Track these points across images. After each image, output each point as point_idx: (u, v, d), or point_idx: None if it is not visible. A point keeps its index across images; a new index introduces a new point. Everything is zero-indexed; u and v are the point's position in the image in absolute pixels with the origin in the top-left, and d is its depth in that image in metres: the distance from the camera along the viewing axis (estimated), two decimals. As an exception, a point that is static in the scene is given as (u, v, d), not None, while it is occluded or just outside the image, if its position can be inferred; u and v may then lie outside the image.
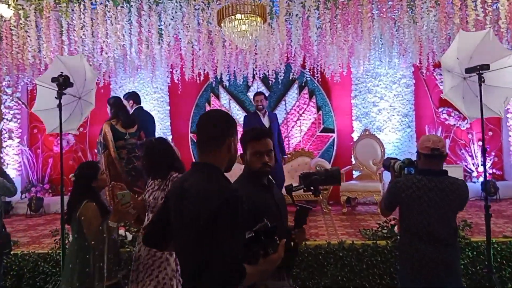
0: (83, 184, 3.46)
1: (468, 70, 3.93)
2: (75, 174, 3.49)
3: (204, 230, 1.78)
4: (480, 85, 3.87)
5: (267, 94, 8.47)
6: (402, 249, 3.09)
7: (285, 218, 2.56)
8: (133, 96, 6.62)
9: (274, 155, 2.55)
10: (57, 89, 4.15)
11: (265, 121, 6.79)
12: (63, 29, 5.76)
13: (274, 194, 2.54)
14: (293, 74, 8.07)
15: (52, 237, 5.49)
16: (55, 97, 4.15)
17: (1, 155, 8.35)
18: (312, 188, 2.54)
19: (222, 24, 5.08)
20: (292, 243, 2.36)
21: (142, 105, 6.73)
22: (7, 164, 8.35)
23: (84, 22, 5.69)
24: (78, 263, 3.37)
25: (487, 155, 8.11)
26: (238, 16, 4.95)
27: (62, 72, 4.20)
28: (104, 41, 5.94)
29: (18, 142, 8.48)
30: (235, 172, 2.20)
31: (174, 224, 1.97)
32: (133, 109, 6.49)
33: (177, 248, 2.03)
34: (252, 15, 4.98)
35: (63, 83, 4.16)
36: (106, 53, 6.12)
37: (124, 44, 6.09)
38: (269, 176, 2.57)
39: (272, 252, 1.90)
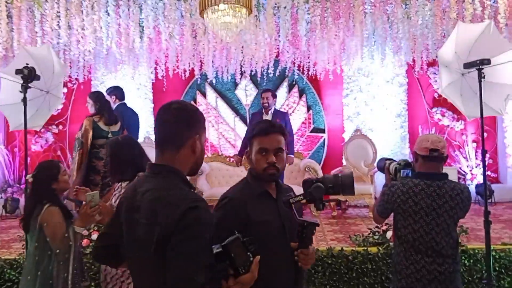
0: (43, 186, 3.11)
1: (467, 65, 3.63)
2: (33, 174, 3.14)
3: (160, 248, 1.46)
4: (480, 82, 3.58)
5: (255, 92, 8.19)
6: (396, 260, 2.77)
7: (291, 236, 2.04)
8: (117, 91, 6.22)
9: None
10: (21, 82, 3.82)
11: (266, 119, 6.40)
12: (35, 20, 5.38)
13: (279, 206, 2.08)
14: (282, 72, 7.79)
15: (21, 242, 5.12)
16: (20, 91, 3.81)
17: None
18: (315, 199, 1.98)
19: (204, 15, 4.75)
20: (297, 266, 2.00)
21: (125, 101, 6.36)
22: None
23: (58, 12, 5.32)
24: (40, 276, 3.01)
25: (480, 157, 7.85)
26: (222, 6, 4.62)
27: (27, 64, 3.86)
28: (79, 33, 5.58)
29: (-6, 141, 8.10)
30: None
31: (126, 238, 1.65)
32: (116, 105, 6.11)
33: (129, 267, 1.70)
34: (236, 5, 4.65)
35: (28, 75, 3.83)
36: (83, 46, 5.74)
37: (101, 37, 5.73)
38: (278, 180, 2.16)
39: (243, 271, 1.58)
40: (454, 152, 7.99)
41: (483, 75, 3.57)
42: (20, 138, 8.27)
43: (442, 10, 5.36)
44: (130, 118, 6.13)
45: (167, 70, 7.43)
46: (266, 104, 6.31)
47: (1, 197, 7.84)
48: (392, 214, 2.84)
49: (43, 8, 5.21)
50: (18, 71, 3.81)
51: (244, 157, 6.48)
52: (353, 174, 2.06)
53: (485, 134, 7.56)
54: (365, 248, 4.62)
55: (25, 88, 3.82)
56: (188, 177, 1.67)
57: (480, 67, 3.55)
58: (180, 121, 1.63)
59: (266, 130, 2.09)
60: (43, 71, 4.06)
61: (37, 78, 3.91)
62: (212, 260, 1.55)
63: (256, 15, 5.94)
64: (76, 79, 7.65)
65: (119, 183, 3.01)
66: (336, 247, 4.69)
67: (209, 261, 1.52)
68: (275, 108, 6.47)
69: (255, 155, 2.09)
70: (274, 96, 6.49)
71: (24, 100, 3.81)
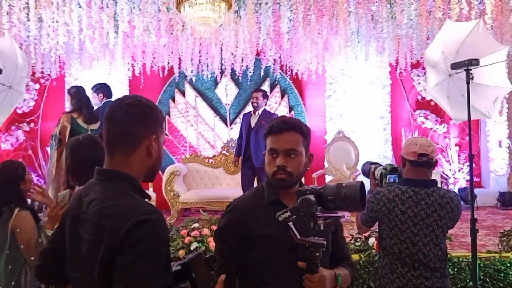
0: (10, 187, 2.83)
1: (455, 66, 3.46)
2: None
3: (104, 269, 1.24)
4: (468, 83, 3.41)
5: (236, 91, 7.97)
6: (381, 273, 2.57)
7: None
8: (104, 89, 5.78)
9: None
10: (-20, 76, 3.53)
11: (253, 122, 6.11)
12: (3, 11, 5.07)
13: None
14: (265, 71, 7.59)
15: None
16: (-22, 85, 3.53)
17: None
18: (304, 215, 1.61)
19: (181, 9, 4.51)
20: None
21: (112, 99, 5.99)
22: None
23: (27, 3, 5.02)
24: (13, 286, 2.75)
25: (463, 161, 7.78)
26: (199, 0, 4.39)
27: (-13, 57, 3.58)
28: (50, 26, 5.28)
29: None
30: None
31: (69, 256, 1.41)
32: (103, 103, 5.75)
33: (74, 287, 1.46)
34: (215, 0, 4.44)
35: (-13, 68, 3.54)
36: (53, 39, 5.44)
37: (74, 31, 5.44)
38: (296, 188, 1.77)
39: None
40: (437, 155, 7.87)
41: (471, 76, 3.41)
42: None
43: (427, 10, 5.21)
44: None
45: (144, 66, 7.16)
46: (255, 104, 6.11)
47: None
48: (377, 223, 2.64)
49: (11, -1, 4.89)
50: (-25, 64, 3.52)
51: (240, 157, 6.25)
52: (362, 185, 1.63)
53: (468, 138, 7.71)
54: (346, 255, 4.43)
55: (-17, 82, 3.54)
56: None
57: (469, 67, 3.39)
58: (133, 119, 1.39)
59: (277, 128, 1.77)
60: (6, 65, 3.77)
61: (-1, 71, 3.63)
62: (170, 280, 1.34)
63: (237, 11, 5.73)
64: (49, 74, 7.33)
65: (80, 187, 2.75)
66: (316, 254, 4.49)
67: (167, 282, 1.30)
68: (264, 109, 6.25)
69: (266, 157, 1.81)
70: (265, 97, 6.27)
71: (-18, 95, 3.53)
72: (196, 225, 4.58)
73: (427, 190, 2.48)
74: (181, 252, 4.34)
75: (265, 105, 6.34)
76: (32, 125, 7.97)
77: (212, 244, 4.35)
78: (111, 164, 1.41)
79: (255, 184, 6.20)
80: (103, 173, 1.41)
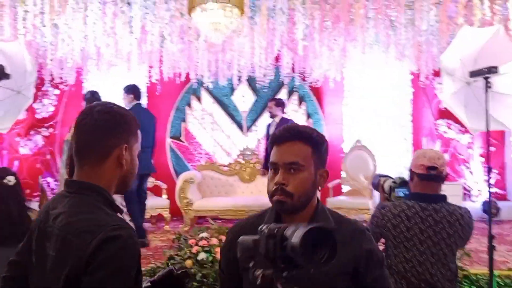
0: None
1: (473, 74, 3.30)
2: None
3: (70, 286, 1.16)
4: (486, 92, 3.23)
5: (253, 98, 7.88)
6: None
7: None
8: (134, 90, 5.70)
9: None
10: (-12, 80, 3.53)
11: (271, 129, 6.22)
12: (18, 17, 5.11)
13: None
14: (281, 78, 7.49)
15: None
16: (-14, 90, 3.53)
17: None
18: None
19: (192, 14, 4.45)
20: None
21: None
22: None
23: (42, 9, 5.05)
24: None
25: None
26: (210, 5, 4.32)
27: (-4, 61, 3.57)
28: (66, 33, 5.31)
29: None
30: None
31: (34, 271, 1.33)
32: (132, 105, 5.60)
33: None
34: (227, 4, 4.36)
35: (-5, 73, 3.53)
36: (68, 45, 5.46)
37: (92, 38, 5.45)
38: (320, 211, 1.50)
39: None
40: (459, 166, 7.62)
41: (489, 85, 3.23)
42: (9, 140, 8.01)
43: (448, 16, 5.02)
44: (147, 121, 5.54)
45: (161, 73, 7.15)
46: (270, 113, 6.32)
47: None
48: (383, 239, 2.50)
49: (25, 4, 4.92)
50: (-16, 69, 3.52)
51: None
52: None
53: (493, 149, 7.43)
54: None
55: (-9, 87, 3.54)
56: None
57: (487, 75, 3.22)
58: (102, 126, 1.31)
59: (279, 137, 1.49)
60: (15, 70, 3.76)
61: (7, 76, 3.62)
62: None
63: (253, 17, 5.66)
64: (67, 80, 7.39)
65: None
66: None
67: None
68: (282, 117, 6.27)
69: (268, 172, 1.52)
70: (279, 105, 6.32)
71: (-9, 100, 3.53)
72: (205, 234, 4.48)
73: (435, 205, 2.32)
74: (188, 262, 4.25)
75: (282, 113, 6.27)
76: (51, 130, 8.04)
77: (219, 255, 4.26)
78: (80, 175, 1.33)
79: None
80: (72, 185, 1.33)
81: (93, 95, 5.35)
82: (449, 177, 7.49)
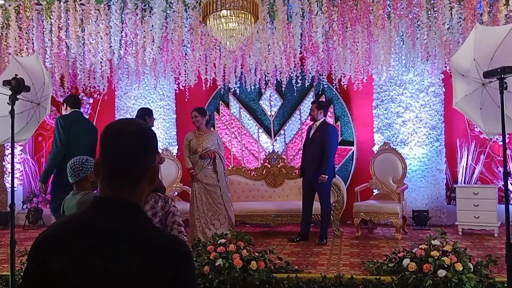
0: None
1: (487, 74, 3.16)
2: None
3: None
4: (502, 93, 3.09)
5: (280, 103, 7.88)
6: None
7: None
8: (68, 98, 5.33)
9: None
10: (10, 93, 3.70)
11: (311, 134, 6.21)
12: (45, 30, 5.33)
13: None
14: (309, 81, 7.42)
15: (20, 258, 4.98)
16: (7, 103, 3.69)
17: (3, 163, 8.07)
18: None
19: (207, 22, 4.50)
20: None
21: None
22: (9, 172, 8.07)
23: (67, 22, 5.26)
24: None
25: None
26: (224, 12, 4.36)
27: (16, 74, 3.74)
28: (98, 43, 5.48)
29: (21, 150, 8.19)
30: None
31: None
32: (68, 113, 5.16)
33: None
34: (240, 11, 4.38)
35: (16, 86, 3.69)
36: (94, 56, 5.64)
37: (111, 47, 5.61)
38: None
39: None
40: (497, 168, 7.29)
41: (505, 85, 3.09)
42: (47, 148, 8.35)
43: (472, 12, 4.83)
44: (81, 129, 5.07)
45: (189, 79, 7.26)
46: (311, 116, 6.25)
47: (26, 207, 7.92)
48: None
49: (52, 18, 5.12)
50: (5, 82, 3.69)
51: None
52: None
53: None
54: (378, 277, 4.16)
55: (12, 100, 3.69)
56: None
57: (502, 76, 3.08)
58: (140, 147, 1.33)
59: None
60: (34, 82, 3.94)
61: (27, 89, 3.78)
62: None
63: (272, 22, 5.66)
64: (99, 89, 7.65)
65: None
66: (346, 274, 4.26)
67: None
68: (323, 120, 6.21)
69: None
70: (321, 108, 6.22)
71: (12, 112, 3.68)
72: (223, 240, 4.51)
73: None
74: (206, 268, 4.28)
75: (324, 115, 6.21)
76: (100, 134, 8.31)
77: (236, 261, 4.26)
78: (119, 193, 1.31)
79: (315, 201, 6.15)
80: (115, 203, 1.31)
81: (146, 112, 5.56)
82: (485, 179, 7.21)
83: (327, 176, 5.90)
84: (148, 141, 1.35)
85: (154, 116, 5.83)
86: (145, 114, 5.50)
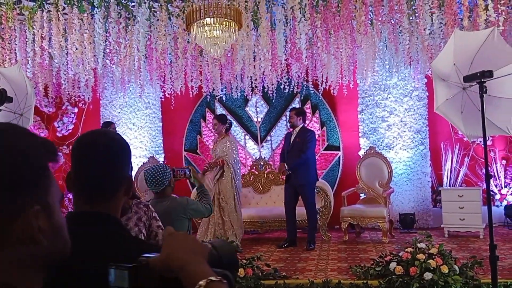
0: None
1: (467, 78, 3.21)
2: None
3: None
4: (481, 97, 3.15)
5: (266, 109, 7.90)
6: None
7: None
8: None
9: None
10: (-9, 105, 3.67)
11: (292, 139, 6.25)
12: (27, 40, 5.29)
13: None
14: (294, 87, 7.45)
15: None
16: (-11, 114, 3.66)
17: None
18: None
19: (191, 30, 4.51)
20: None
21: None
22: None
23: (50, 32, 5.23)
24: None
25: (511, 175, 7.24)
26: (208, 20, 4.37)
27: (-1, 86, 3.72)
28: (82, 52, 5.44)
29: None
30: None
31: None
32: None
33: None
34: (224, 19, 4.39)
35: (-2, 97, 3.68)
36: (77, 65, 5.61)
37: (95, 55, 5.59)
38: None
39: None
40: (481, 170, 7.38)
41: (485, 89, 3.15)
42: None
43: (452, 19, 4.91)
44: None
45: (174, 87, 7.24)
46: (290, 122, 6.34)
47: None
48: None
49: (34, 28, 5.09)
50: (-14, 94, 3.66)
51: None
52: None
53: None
54: (365, 281, 4.19)
55: (-6, 111, 3.67)
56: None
57: (482, 80, 3.13)
58: (113, 159, 1.27)
59: None
60: (17, 93, 3.91)
61: (9, 100, 3.76)
62: None
63: (256, 29, 5.68)
64: (84, 99, 7.59)
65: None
66: (333, 279, 4.28)
67: None
68: (302, 126, 6.28)
69: None
70: (299, 114, 6.29)
71: (-6, 123, 3.66)
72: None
73: None
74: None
75: (303, 122, 6.26)
76: (71, 147, 8.25)
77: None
78: (94, 208, 1.25)
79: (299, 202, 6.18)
80: (88, 218, 1.24)
81: (108, 126, 5.52)
82: (470, 181, 7.29)
83: (287, 167, 6.02)
84: (122, 152, 1.30)
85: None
86: (106, 126, 5.50)
